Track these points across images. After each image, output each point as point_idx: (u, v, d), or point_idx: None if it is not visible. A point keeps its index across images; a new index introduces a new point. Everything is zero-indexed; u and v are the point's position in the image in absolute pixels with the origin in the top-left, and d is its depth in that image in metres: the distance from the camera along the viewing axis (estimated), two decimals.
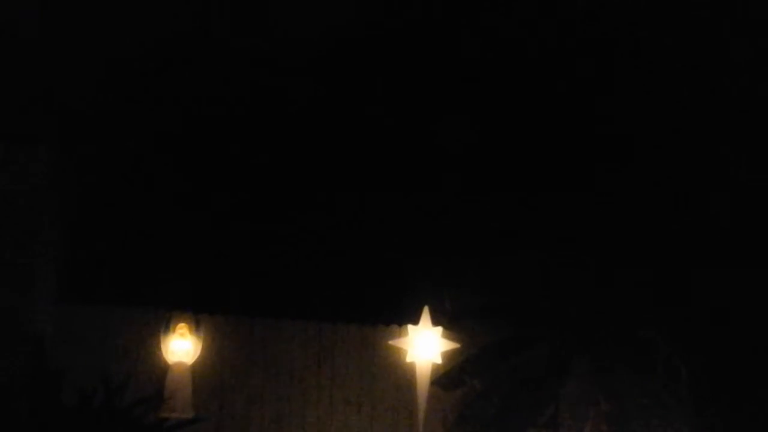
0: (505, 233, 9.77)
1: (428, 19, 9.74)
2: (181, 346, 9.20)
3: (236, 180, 10.04)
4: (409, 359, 9.70)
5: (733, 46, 9.50)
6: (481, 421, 9.67)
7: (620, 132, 9.93)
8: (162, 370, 9.11)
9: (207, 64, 9.63)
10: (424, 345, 9.70)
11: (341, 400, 9.73)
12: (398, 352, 9.74)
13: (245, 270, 9.93)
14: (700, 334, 9.66)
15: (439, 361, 9.68)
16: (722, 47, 9.53)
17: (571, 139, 9.76)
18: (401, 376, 9.77)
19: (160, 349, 9.18)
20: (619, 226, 9.82)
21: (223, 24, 9.49)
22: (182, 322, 9.25)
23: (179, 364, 9.13)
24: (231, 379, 9.53)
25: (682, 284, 9.72)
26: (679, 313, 9.68)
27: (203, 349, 9.27)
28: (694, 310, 9.69)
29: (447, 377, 9.72)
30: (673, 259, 9.75)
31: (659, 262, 9.73)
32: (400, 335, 9.79)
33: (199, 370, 9.23)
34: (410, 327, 9.73)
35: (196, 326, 9.28)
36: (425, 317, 9.74)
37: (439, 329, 9.72)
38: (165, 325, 9.22)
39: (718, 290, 9.69)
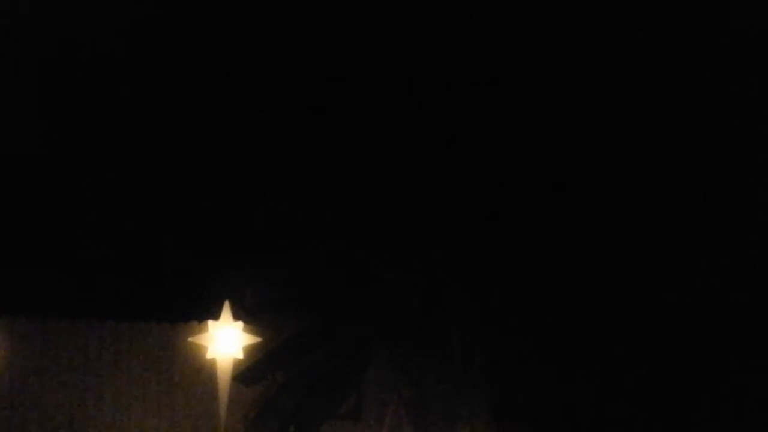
0: (303, 227, 9.67)
1: None
2: None
3: (31, 177, 9.53)
4: (209, 355, 9.58)
5: None
6: (283, 414, 9.71)
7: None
8: None
9: None
10: (225, 340, 9.59)
11: (139, 400, 9.53)
12: (198, 349, 9.60)
13: (35, 269, 9.47)
14: (494, 318, 9.91)
15: (240, 356, 9.59)
16: None
17: (366, 137, 9.71)
18: (202, 373, 9.64)
19: None
20: (414, 217, 9.90)
21: None
22: None
23: None
24: (21, 383, 9.18)
25: (479, 270, 9.90)
26: (474, 299, 9.90)
27: None
28: (488, 295, 9.91)
29: (248, 372, 9.67)
30: (471, 243, 9.92)
31: (456, 247, 9.89)
32: (200, 331, 9.64)
33: None
34: (210, 323, 9.59)
35: None
36: (226, 312, 9.61)
37: (240, 324, 9.62)
38: None
39: (511, 274, 9.94)
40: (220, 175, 9.82)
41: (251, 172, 9.82)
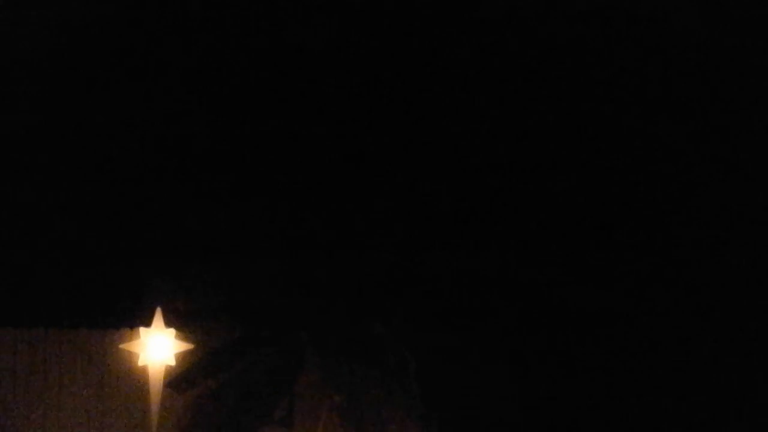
0: (235, 235, 9.67)
1: None
2: None
3: None
4: (141, 363, 9.49)
5: None
6: (215, 421, 9.69)
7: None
8: None
9: None
10: (156, 347, 9.51)
11: (70, 408, 9.43)
12: (130, 356, 9.51)
13: None
14: (428, 326, 9.99)
15: (172, 363, 9.53)
16: None
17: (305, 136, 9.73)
18: (134, 380, 9.55)
19: None
20: (352, 221, 9.94)
21: None
22: None
23: None
24: None
25: (411, 277, 9.98)
26: (408, 305, 9.98)
27: None
28: (423, 301, 10.00)
29: (181, 379, 9.62)
30: (402, 250, 9.99)
31: (387, 255, 9.95)
32: (131, 338, 9.55)
33: None
34: (142, 329, 9.50)
35: None
36: (157, 319, 9.53)
37: (172, 331, 9.55)
38: None
39: (446, 281, 10.03)
40: (153, 181, 9.74)
41: (185, 178, 9.76)
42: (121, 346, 9.47)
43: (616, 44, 9.54)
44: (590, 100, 9.59)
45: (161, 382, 9.49)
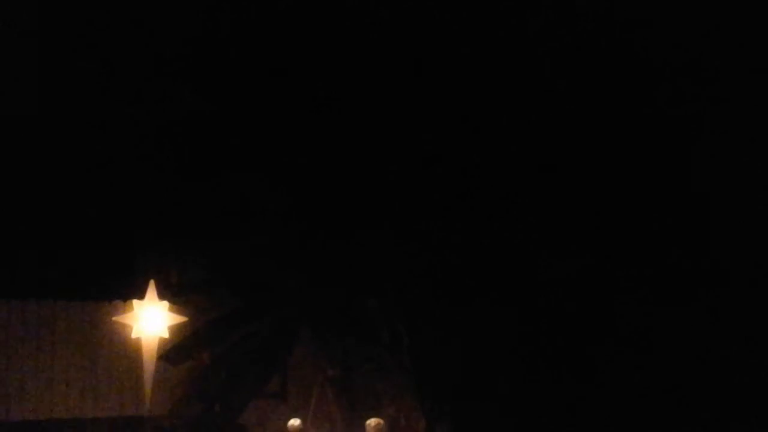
0: (231, 209, 9.64)
1: None
2: None
3: None
4: (134, 335, 9.46)
5: None
6: (209, 393, 9.71)
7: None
8: None
9: None
10: (150, 320, 9.46)
11: (63, 380, 9.48)
12: (123, 329, 9.50)
13: None
14: (421, 301, 9.98)
15: (166, 335, 9.50)
16: None
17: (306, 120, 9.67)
18: (127, 352, 9.57)
19: None
20: (347, 197, 9.90)
21: None
22: None
23: None
24: None
25: (404, 253, 9.94)
26: (403, 282, 9.95)
27: None
28: (416, 277, 9.97)
29: (174, 351, 9.61)
30: (396, 226, 9.95)
31: (382, 230, 9.90)
32: (125, 311, 9.54)
33: None
34: (135, 302, 9.47)
35: None
36: (151, 292, 9.49)
37: (166, 303, 9.52)
38: None
39: (439, 257, 10.00)
40: (148, 156, 9.67)
41: (181, 152, 9.70)
42: (115, 318, 9.45)
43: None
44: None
45: (155, 355, 9.45)
